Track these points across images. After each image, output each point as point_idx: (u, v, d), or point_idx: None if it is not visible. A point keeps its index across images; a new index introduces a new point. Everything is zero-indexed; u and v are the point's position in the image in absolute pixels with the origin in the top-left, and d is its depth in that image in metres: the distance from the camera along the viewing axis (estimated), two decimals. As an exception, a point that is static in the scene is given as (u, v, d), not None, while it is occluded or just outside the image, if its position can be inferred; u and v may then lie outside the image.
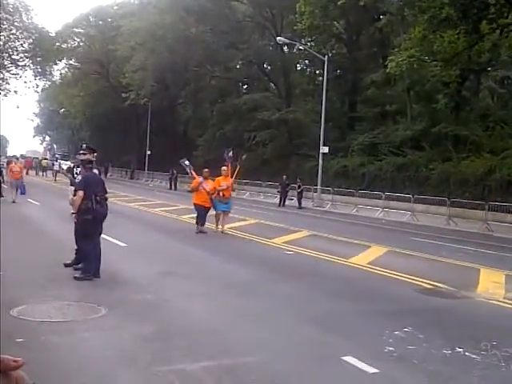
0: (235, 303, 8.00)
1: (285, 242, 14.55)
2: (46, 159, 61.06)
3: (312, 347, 6.11)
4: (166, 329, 6.56)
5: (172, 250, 12.89)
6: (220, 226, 16.06)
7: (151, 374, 5.11)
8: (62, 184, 32.98)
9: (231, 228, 16.23)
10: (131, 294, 8.22)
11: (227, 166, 16.77)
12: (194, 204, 16.29)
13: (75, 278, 8.99)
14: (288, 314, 7.51)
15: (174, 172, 43.23)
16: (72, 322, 6.74)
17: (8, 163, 28.89)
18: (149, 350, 5.78)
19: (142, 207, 23.54)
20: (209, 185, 16.04)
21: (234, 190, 19.13)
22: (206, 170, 16.79)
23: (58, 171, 45.48)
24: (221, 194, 16.00)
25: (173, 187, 43.29)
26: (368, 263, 11.87)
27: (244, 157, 19.63)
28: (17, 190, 22.65)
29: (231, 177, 16.81)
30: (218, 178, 16.50)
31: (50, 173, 53.66)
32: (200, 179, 16.12)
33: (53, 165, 52.52)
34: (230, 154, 17.62)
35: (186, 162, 17.87)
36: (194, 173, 17.14)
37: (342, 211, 28.31)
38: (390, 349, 6.01)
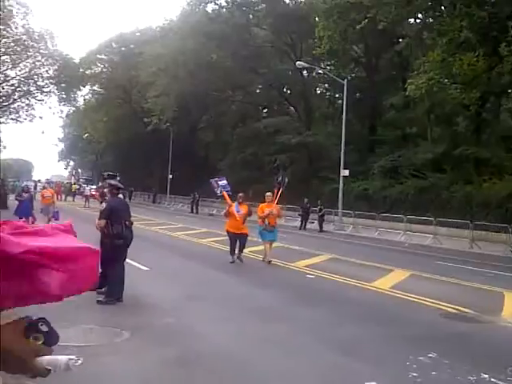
0: (257, 328, 8.00)
1: (306, 266, 14.52)
2: (75, 184, 61.75)
3: (335, 373, 6.08)
4: (189, 354, 6.58)
5: (194, 274, 12.92)
6: (267, 257, 14.90)
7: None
8: (92, 210, 33.21)
9: (252, 251, 16.23)
10: (154, 318, 8.27)
11: (274, 192, 15.80)
12: (227, 231, 15.06)
13: (98, 301, 9.07)
14: (310, 338, 7.49)
15: (196, 196, 43.43)
16: (95, 346, 6.80)
17: (42, 188, 28.59)
18: (171, 375, 5.81)
19: (164, 231, 23.67)
20: (242, 210, 14.77)
21: (280, 217, 17.73)
22: (241, 194, 15.30)
23: (89, 196, 45.83)
24: (266, 221, 15.00)
25: (194, 211, 43.46)
26: (391, 287, 11.78)
27: (287, 180, 17.52)
28: (50, 216, 21.91)
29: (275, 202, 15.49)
30: (261, 205, 15.41)
31: (76, 197, 54.09)
32: (234, 204, 14.93)
33: (84, 190, 52.91)
34: (286, 179, 16.83)
35: (221, 182, 16.12)
36: (226, 195, 15.62)
37: (364, 234, 28.17)
38: (414, 374, 5.96)
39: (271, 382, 5.69)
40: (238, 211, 14.65)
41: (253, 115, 51.71)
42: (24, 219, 20.95)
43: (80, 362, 1.48)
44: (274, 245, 15.37)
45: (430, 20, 32.38)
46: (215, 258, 15.63)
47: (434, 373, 6.07)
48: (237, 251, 14.68)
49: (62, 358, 1.46)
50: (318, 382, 5.80)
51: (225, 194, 15.67)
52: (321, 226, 30.64)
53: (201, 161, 53.39)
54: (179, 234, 22.58)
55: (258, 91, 52.42)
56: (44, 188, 25.91)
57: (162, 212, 41.28)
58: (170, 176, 52.29)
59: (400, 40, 37.81)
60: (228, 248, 16.27)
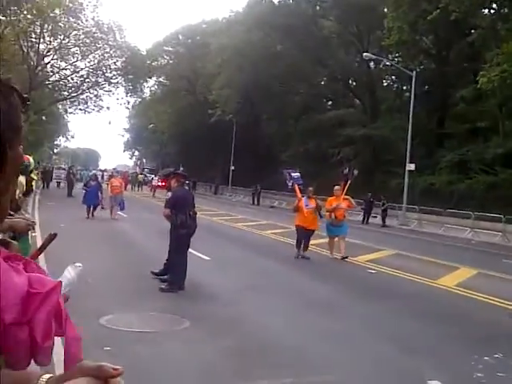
0: (316, 321, 7.89)
1: (368, 261, 14.27)
2: (141, 174, 63.01)
3: (395, 369, 5.93)
4: (248, 344, 6.56)
5: (254, 265, 12.92)
6: (336, 253, 14.35)
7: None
8: (158, 200, 33.82)
9: (313, 244, 16.08)
10: (214, 307, 8.30)
11: (342, 185, 15.19)
12: (296, 226, 14.53)
13: (161, 289, 9.21)
14: (370, 333, 7.34)
15: (258, 187, 43.53)
16: (157, 332, 6.88)
17: (109, 178, 28.59)
18: (230, 364, 5.80)
19: (225, 222, 23.82)
20: (311, 204, 14.23)
21: (352, 208, 16.86)
22: (311, 188, 14.76)
23: (156, 186, 46.66)
24: (333, 215, 14.42)
25: (255, 202, 43.60)
26: (456, 285, 11.42)
27: (356, 172, 16.84)
28: (116, 206, 21.81)
29: (343, 194, 14.91)
30: (330, 198, 14.90)
31: (144, 187, 55.25)
32: (303, 198, 14.41)
33: (151, 180, 53.84)
34: (355, 171, 16.31)
35: (294, 174, 15.62)
36: (297, 189, 15.13)
37: (429, 230, 27.49)
38: (479, 375, 5.75)
39: (327, 375, 5.59)
40: (306, 205, 14.17)
41: (317, 107, 51.29)
42: (92, 207, 21.58)
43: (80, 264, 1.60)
44: (335, 238, 14.68)
45: (505, 10, 31.15)
46: (276, 250, 15.60)
47: (500, 374, 5.83)
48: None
49: (69, 270, 1.55)
50: (378, 378, 5.67)
51: (296, 187, 15.17)
52: (384, 221, 30.12)
53: (263, 152, 53.47)
54: (240, 224, 22.68)
55: (322, 83, 51.95)
56: (111, 177, 25.85)
57: (223, 203, 41.63)
58: (233, 167, 52.63)
59: (472, 31, 36.56)
60: (289, 240, 16.23)
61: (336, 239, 14.50)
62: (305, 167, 42.86)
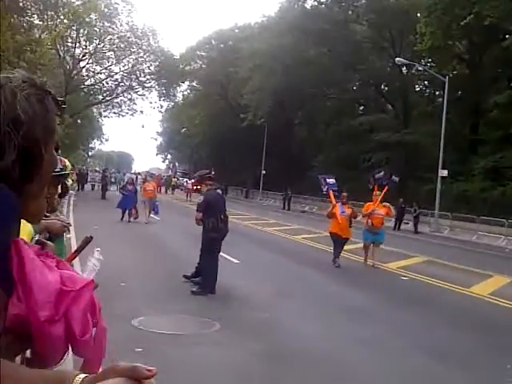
0: (349, 328, 7.87)
1: (400, 268, 14.14)
2: (175, 177, 63.34)
3: (428, 377, 5.88)
4: (279, 349, 6.57)
5: (285, 270, 12.91)
6: (370, 260, 14.06)
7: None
8: (192, 204, 34.02)
9: (344, 250, 15.99)
10: (244, 311, 8.34)
11: (381, 191, 14.64)
12: (330, 233, 14.21)
13: (192, 292, 9.28)
14: (402, 341, 7.28)
15: (289, 192, 43.49)
16: (187, 334, 6.94)
17: (143, 181, 28.11)
18: (260, 368, 5.82)
19: (256, 226, 23.86)
20: (346, 211, 13.83)
21: (390, 216, 16.98)
22: (345, 193, 14.40)
23: (191, 190, 46.76)
24: (369, 221, 14.13)
25: (286, 207, 43.53)
26: (489, 293, 11.25)
27: (397, 179, 16.07)
28: (150, 209, 21.71)
29: (380, 201, 14.41)
30: (367, 204, 14.62)
31: (176, 191, 55.44)
32: (338, 204, 13.97)
33: (186, 183, 53.92)
34: (396, 178, 15.66)
35: (330, 180, 15.26)
36: (332, 195, 14.65)
37: (461, 238, 27.11)
38: (514, 386, 5.66)
39: (361, 381, 5.56)
40: (342, 212, 13.76)
41: (348, 112, 51.06)
42: (126, 211, 21.56)
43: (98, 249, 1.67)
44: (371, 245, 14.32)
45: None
46: (307, 255, 15.57)
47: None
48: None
49: (90, 259, 1.62)
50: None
51: (331, 193, 14.77)
52: (416, 227, 29.81)
53: (294, 157, 53.39)
54: (271, 229, 22.68)
55: (354, 88, 51.69)
56: (145, 181, 25.36)
57: (254, 207, 41.68)
58: (264, 171, 52.67)
59: (507, 36, 36.00)
60: (319, 245, 16.17)
61: (371, 246, 14.18)
62: (336, 172, 42.55)
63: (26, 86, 1.40)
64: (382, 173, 15.39)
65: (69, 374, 1.01)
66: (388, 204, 14.63)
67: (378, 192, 14.52)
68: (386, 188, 14.98)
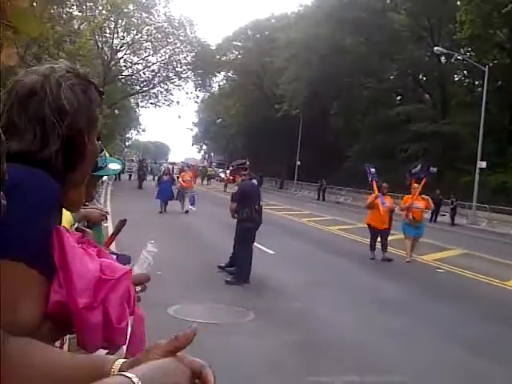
0: (383, 319, 7.84)
1: (436, 260, 13.99)
2: (210, 167, 63.56)
3: (462, 371, 5.83)
4: (313, 339, 6.60)
5: (319, 260, 12.90)
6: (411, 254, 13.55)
7: (296, 383, 5.16)
8: (228, 194, 34.04)
9: (379, 242, 15.85)
10: (278, 301, 8.39)
11: (419, 183, 14.02)
12: (368, 225, 13.90)
13: (227, 281, 9.37)
14: (437, 334, 7.23)
15: (323, 183, 43.31)
16: (222, 324, 7.03)
17: (180, 171, 27.56)
18: (295, 358, 5.86)
19: (290, 216, 23.85)
20: (387, 203, 13.49)
21: (428, 210, 16.45)
22: (385, 184, 14.01)
23: (228, 180, 46.80)
24: (410, 215, 13.47)
25: (321, 198, 43.38)
26: (527, 287, 11.06)
27: (435, 170, 15.36)
28: (187, 200, 21.48)
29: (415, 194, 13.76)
30: (406, 196, 14.05)
31: (212, 181, 55.65)
32: (378, 194, 13.53)
33: (224, 173, 53.98)
34: (434, 169, 14.99)
35: (373, 169, 14.88)
36: (374, 184, 14.17)
37: (500, 230, 26.63)
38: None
39: (394, 375, 5.55)
40: (383, 203, 13.29)
41: (385, 102, 50.46)
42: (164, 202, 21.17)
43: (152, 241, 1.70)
44: (402, 236, 14.00)
45: None
46: (341, 246, 15.53)
47: None
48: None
49: (143, 252, 1.66)
50: (444, 380, 5.58)
51: (374, 183, 14.20)
52: (453, 219, 29.39)
53: (329, 148, 53.07)
54: (305, 220, 22.66)
55: (391, 77, 51.06)
56: (182, 171, 25.07)
57: (288, 198, 41.63)
58: (298, 162, 52.54)
59: (549, 24, 35.08)
60: (354, 236, 16.09)
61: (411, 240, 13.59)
62: (371, 163, 42.37)
63: (71, 77, 1.44)
64: (418, 167, 14.77)
65: (108, 359, 1.03)
66: (427, 197, 14.17)
67: (416, 185, 14.00)
68: (424, 180, 14.43)
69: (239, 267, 9.55)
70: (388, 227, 13.51)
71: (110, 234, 2.69)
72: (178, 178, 23.79)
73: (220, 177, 54.39)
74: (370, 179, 14.66)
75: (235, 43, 61.73)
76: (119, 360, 1.01)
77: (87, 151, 1.45)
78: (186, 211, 21.16)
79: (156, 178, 47.56)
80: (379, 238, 13.69)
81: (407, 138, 41.74)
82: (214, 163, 76.55)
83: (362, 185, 41.54)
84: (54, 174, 1.33)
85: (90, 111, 1.46)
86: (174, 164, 58.11)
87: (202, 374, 0.94)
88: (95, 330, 1.28)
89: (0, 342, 1.04)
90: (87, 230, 2.31)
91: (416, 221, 13.50)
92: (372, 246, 13.64)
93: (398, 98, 53.74)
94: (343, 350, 6.24)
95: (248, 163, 11.16)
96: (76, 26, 24.65)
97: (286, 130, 54.52)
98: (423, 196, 14.00)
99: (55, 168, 1.35)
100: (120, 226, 2.60)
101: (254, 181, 10.66)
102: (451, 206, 29.75)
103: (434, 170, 15.15)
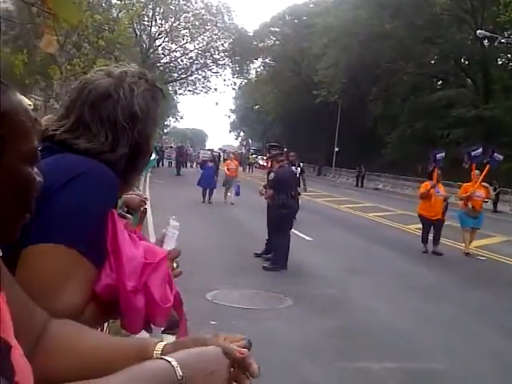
0: (421, 306, 7.75)
1: (478, 247, 13.72)
2: (252, 154, 63.41)
3: (503, 361, 5.72)
4: (350, 326, 6.58)
5: (356, 247, 12.81)
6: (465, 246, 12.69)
7: (335, 369, 5.16)
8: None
9: (419, 228, 15.62)
10: (316, 287, 8.37)
11: (479, 170, 12.88)
12: (419, 215, 12.94)
13: (264, 267, 9.41)
14: (477, 322, 7.12)
15: (362, 169, 42.96)
16: (260, 309, 7.06)
17: (225, 159, 25.84)
18: (332, 344, 5.85)
19: (328, 203, 23.74)
20: (441, 191, 12.54)
21: (489, 199, 14.98)
22: (439, 171, 12.64)
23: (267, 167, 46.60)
24: (469, 205, 12.48)
25: (359, 184, 43.06)
26: None
27: (501, 157, 13.81)
28: (231, 189, 20.29)
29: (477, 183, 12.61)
30: (465, 184, 13.03)
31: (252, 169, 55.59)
32: (430, 183, 12.46)
33: (263, 160, 53.67)
34: (500, 156, 13.49)
35: (439, 155, 13.04)
36: (436, 173, 12.62)
37: (544, 218, 26.02)
38: None
39: (432, 363, 5.50)
40: (437, 192, 12.35)
41: (426, 87, 49.60)
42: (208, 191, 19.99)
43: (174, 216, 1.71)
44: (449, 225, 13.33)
45: None
46: (379, 233, 15.40)
47: None
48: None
49: (167, 228, 1.67)
50: (483, 367, 5.49)
51: (436, 170, 12.69)
52: (495, 206, 28.80)
53: (368, 134, 52.55)
54: (343, 206, 22.53)
55: (432, 62, 50.08)
56: (227, 159, 23.50)
57: (326, 184, 41.42)
58: (337, 149, 52.18)
59: None
60: (392, 223, 15.92)
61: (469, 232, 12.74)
62: (410, 149, 41.79)
63: (142, 83, 1.48)
64: (479, 149, 13.33)
65: (151, 342, 1.04)
66: (487, 185, 13.34)
67: (477, 171, 12.71)
68: (488, 167, 13.16)
69: (276, 253, 9.57)
70: (442, 218, 12.61)
71: (149, 220, 2.74)
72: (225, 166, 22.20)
73: (259, 164, 54.25)
74: (433, 166, 13.12)
75: (273, 29, 61.38)
76: (161, 343, 1.02)
77: (146, 152, 1.51)
78: (232, 203, 20.06)
79: (194, 164, 47.86)
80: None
81: (448, 124, 40.98)
82: (252, 150, 76.57)
83: (401, 171, 41.13)
84: (115, 173, 1.37)
85: (156, 117, 1.51)
86: (211, 151, 58.38)
87: (242, 363, 0.95)
88: (139, 312, 1.32)
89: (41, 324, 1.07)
90: (127, 215, 2.34)
91: (476, 211, 12.57)
92: (423, 238, 12.64)
93: (439, 82, 52.76)
94: (382, 337, 6.20)
95: (286, 149, 11.15)
96: (115, 14, 24.89)
97: (323, 116, 54.19)
98: (484, 184, 13.06)
99: (118, 169, 1.39)
100: (143, 215, 2.69)
101: (298, 168, 10.63)
102: (494, 193, 29.10)
103: (499, 156, 13.67)
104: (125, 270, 1.29)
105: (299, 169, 15.63)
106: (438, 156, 13.01)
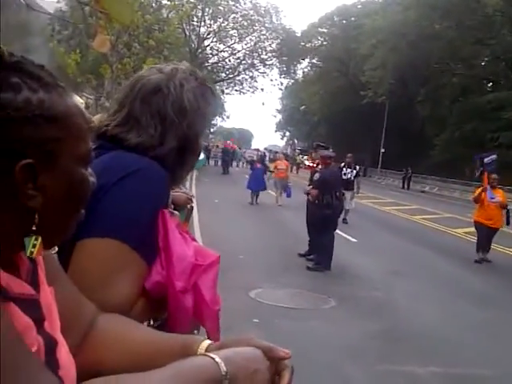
0: (467, 312, 7.62)
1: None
2: (299, 155, 62.89)
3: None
4: (394, 329, 6.52)
5: (402, 250, 12.66)
6: None
7: (378, 372, 5.13)
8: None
9: (466, 233, 15.38)
10: (360, 289, 8.32)
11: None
12: (475, 222, 12.02)
13: (308, 268, 9.40)
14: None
15: (409, 171, 42.37)
16: (303, 309, 7.07)
17: (274, 160, 24.93)
18: (376, 347, 5.81)
19: (374, 204, 23.50)
20: (497, 196, 11.61)
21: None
22: (494, 175, 11.79)
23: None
24: None
25: (405, 186, 42.46)
26: None
27: (493, 156, 12.82)
28: (282, 191, 19.44)
29: None
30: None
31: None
32: (486, 187, 11.66)
33: (309, 161, 52.93)
34: (491, 157, 12.50)
35: (487, 159, 12.30)
36: (485, 176, 11.95)
37: None
38: None
39: (479, 369, 5.40)
40: (491, 198, 11.52)
41: (475, 89, 48.55)
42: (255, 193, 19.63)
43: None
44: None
45: None
46: (425, 236, 15.16)
47: None
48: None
49: None
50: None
51: (486, 174, 12.01)
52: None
53: (415, 135, 51.78)
54: (388, 208, 22.27)
55: (483, 63, 49.04)
56: (277, 159, 22.52)
57: (372, 186, 40.90)
58: (383, 150, 51.62)
59: None
60: (439, 226, 15.66)
61: None
62: (458, 152, 40.98)
63: (192, 80, 1.51)
64: (492, 156, 12.53)
65: (196, 339, 1.07)
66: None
67: (494, 175, 12.00)
68: (486, 174, 12.18)
69: (320, 254, 9.55)
70: (498, 225, 11.66)
71: (195, 218, 2.80)
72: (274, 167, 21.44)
73: (305, 164, 53.98)
74: (481, 170, 12.39)
75: (321, 30, 61.12)
76: (206, 341, 1.04)
77: (197, 149, 1.54)
78: (279, 205, 19.49)
79: (241, 164, 47.97)
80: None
81: (498, 127, 40.01)
82: (297, 150, 76.40)
83: (449, 174, 40.36)
84: (164, 168, 1.40)
85: (206, 114, 1.54)
86: (257, 150, 58.39)
87: (280, 368, 0.96)
88: (187, 312, 1.33)
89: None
90: (175, 212, 2.39)
91: None
92: (478, 247, 11.81)
93: (489, 84, 51.59)
94: (425, 341, 6.12)
95: (331, 149, 11.11)
96: (165, 15, 25.19)
97: (370, 117, 53.68)
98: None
99: (167, 163, 1.43)
100: (189, 213, 2.77)
101: (354, 171, 10.56)
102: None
103: (491, 157, 12.61)
104: (175, 269, 1.30)
105: (354, 171, 15.54)
106: (486, 160, 12.31)
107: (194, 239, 1.48)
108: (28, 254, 0.84)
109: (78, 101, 0.91)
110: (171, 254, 1.32)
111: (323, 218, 9.63)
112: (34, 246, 0.84)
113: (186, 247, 1.37)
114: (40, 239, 0.84)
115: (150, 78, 1.48)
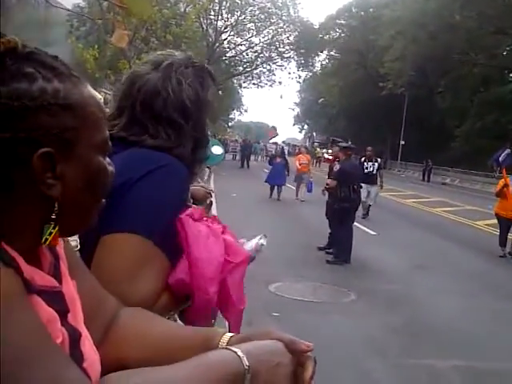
0: (491, 306, 7.52)
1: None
2: (320, 148, 62.64)
3: None
4: (415, 322, 6.48)
5: (422, 243, 12.54)
6: None
7: (399, 365, 5.10)
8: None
9: (487, 225, 15.20)
10: (380, 283, 8.28)
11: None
12: (496, 214, 11.72)
13: (327, 261, 9.38)
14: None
15: (429, 163, 42.03)
16: (323, 303, 7.05)
17: (296, 154, 23.75)
18: (396, 341, 5.78)
19: (393, 197, 23.34)
20: None
21: None
22: None
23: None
24: None
25: (426, 179, 42.13)
26: None
27: (508, 150, 12.15)
28: (303, 186, 18.93)
29: None
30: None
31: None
32: (509, 183, 11.24)
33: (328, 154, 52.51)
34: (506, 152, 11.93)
35: (502, 155, 11.91)
36: (504, 170, 11.76)
37: None
38: None
39: (502, 363, 5.34)
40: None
41: (497, 79, 47.92)
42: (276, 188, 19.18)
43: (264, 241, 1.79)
44: None
45: None
46: (447, 229, 15.03)
47: None
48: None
49: (253, 243, 1.75)
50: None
51: (504, 170, 11.86)
52: None
53: (435, 127, 51.31)
54: (409, 201, 22.12)
55: (504, 53, 48.37)
56: (299, 153, 21.84)
57: (392, 178, 40.61)
58: (402, 142, 51.24)
59: None
60: (460, 219, 15.53)
61: None
62: (479, 143, 40.56)
63: (189, 72, 1.49)
64: (505, 152, 11.97)
65: (217, 332, 1.06)
66: None
67: None
68: (504, 168, 11.95)
69: (339, 247, 9.52)
70: None
71: (214, 212, 2.79)
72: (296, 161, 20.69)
73: (325, 158, 53.79)
74: (499, 168, 12.50)
75: (339, 21, 60.74)
76: (227, 334, 1.04)
77: (206, 143, 1.54)
78: (302, 200, 19.00)
79: (259, 158, 47.96)
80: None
81: (521, 118, 39.56)
82: (315, 143, 76.20)
83: (470, 166, 39.96)
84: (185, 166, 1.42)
85: (208, 100, 1.53)
86: (276, 144, 58.31)
87: (302, 360, 0.96)
88: (210, 309, 1.33)
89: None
90: (194, 206, 2.39)
91: None
92: (501, 241, 11.40)
93: (511, 75, 50.92)
94: (447, 334, 6.07)
95: (350, 142, 11.05)
96: (182, 9, 25.23)
97: (389, 109, 53.29)
98: None
99: (187, 162, 1.43)
100: (208, 207, 2.78)
101: (376, 164, 10.50)
102: None
103: (506, 152, 12.10)
104: (203, 275, 1.29)
105: (376, 164, 15.35)
106: (500, 158, 12.00)
107: (224, 228, 1.46)
108: (43, 241, 0.84)
109: (93, 91, 0.91)
110: (194, 257, 1.31)
111: (341, 211, 9.59)
112: (50, 234, 0.84)
113: (213, 245, 1.35)
114: (57, 228, 0.84)
115: (147, 80, 1.45)
